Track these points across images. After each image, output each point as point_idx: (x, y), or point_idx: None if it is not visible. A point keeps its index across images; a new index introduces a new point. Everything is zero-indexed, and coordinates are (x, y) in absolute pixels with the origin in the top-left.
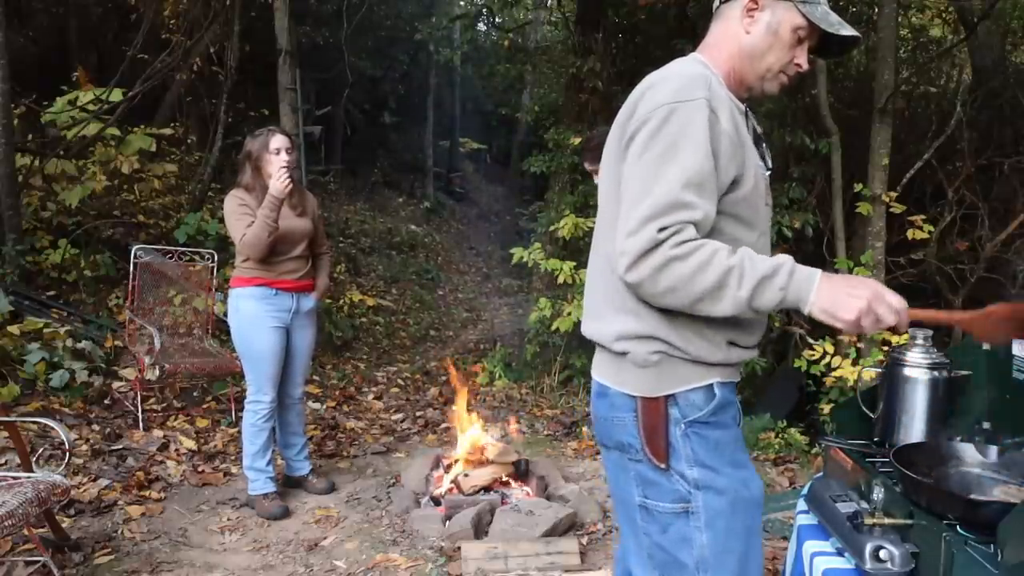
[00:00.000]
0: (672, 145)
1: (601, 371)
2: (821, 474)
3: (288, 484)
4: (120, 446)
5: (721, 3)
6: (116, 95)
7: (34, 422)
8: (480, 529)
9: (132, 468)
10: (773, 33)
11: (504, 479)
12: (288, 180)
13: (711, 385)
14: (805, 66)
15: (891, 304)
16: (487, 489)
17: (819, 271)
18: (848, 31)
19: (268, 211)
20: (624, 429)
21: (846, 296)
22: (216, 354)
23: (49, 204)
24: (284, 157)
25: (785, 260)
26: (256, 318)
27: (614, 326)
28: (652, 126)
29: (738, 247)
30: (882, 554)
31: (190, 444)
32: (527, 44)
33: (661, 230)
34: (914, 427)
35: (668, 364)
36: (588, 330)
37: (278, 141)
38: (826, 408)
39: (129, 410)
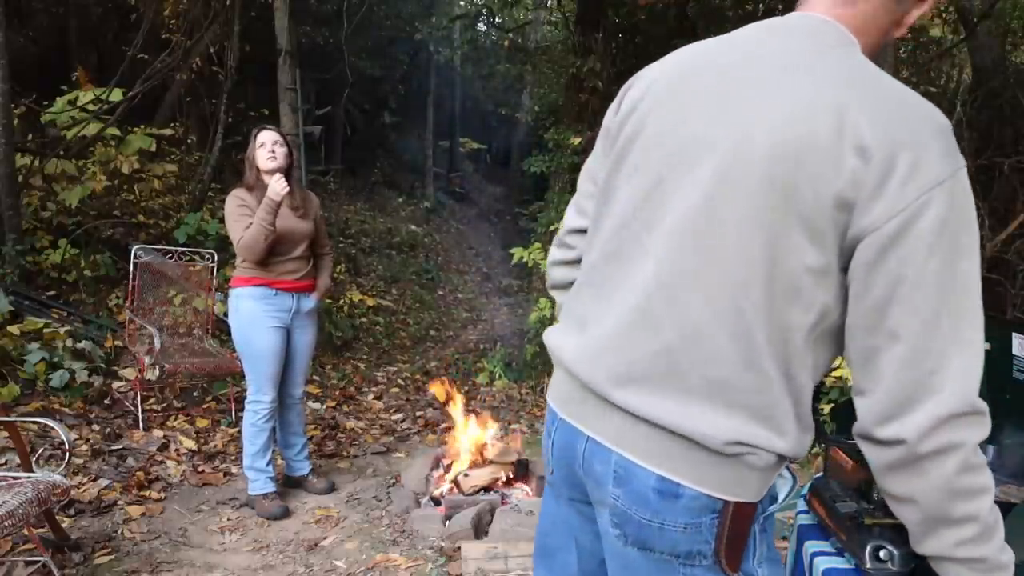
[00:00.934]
0: (966, 254)
1: (675, 467)
2: (821, 474)
3: (288, 484)
4: (120, 446)
5: None
6: (116, 95)
7: (34, 422)
8: (480, 529)
9: (132, 468)
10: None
11: (504, 479)
12: (285, 183)
13: (786, 465)
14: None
15: None
16: (487, 489)
17: None
18: None
19: (264, 214)
20: (693, 537)
21: None
22: (216, 354)
23: (49, 204)
24: (268, 149)
25: (1012, 565)
26: (256, 318)
27: (733, 429)
28: (938, 217)
29: None
30: (882, 554)
31: (190, 444)
32: (527, 44)
33: (976, 415)
34: None
35: (780, 460)
36: (657, 408)
37: (263, 136)
38: (826, 408)
39: (129, 410)
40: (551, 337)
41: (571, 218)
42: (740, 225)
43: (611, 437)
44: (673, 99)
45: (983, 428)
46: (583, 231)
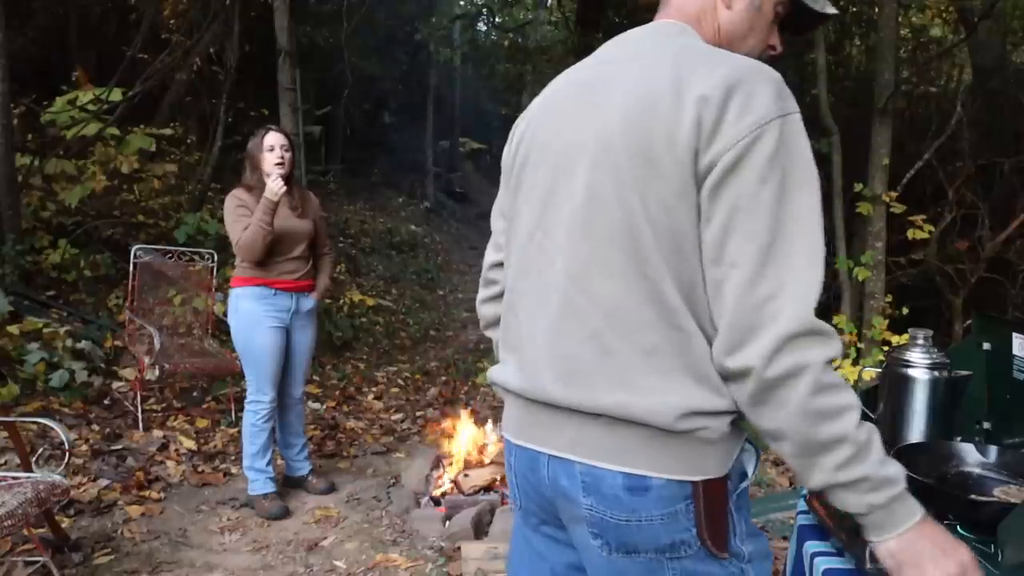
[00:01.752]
0: (797, 185)
1: (636, 460)
2: None
3: (288, 484)
4: (120, 446)
5: None
6: (116, 95)
7: (34, 422)
8: (480, 529)
9: (132, 468)
10: (756, 8)
11: (504, 479)
12: (282, 183)
13: (746, 438)
14: (779, 49)
15: None
16: (487, 489)
17: (922, 511)
18: (831, 9)
19: (262, 214)
20: (672, 526)
21: (937, 553)
22: (216, 354)
23: (49, 204)
24: (278, 154)
25: (901, 477)
26: (255, 318)
27: (677, 399)
28: (768, 149)
29: None
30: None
31: (190, 444)
32: (527, 44)
33: (818, 335)
34: (914, 427)
35: (734, 430)
36: (598, 399)
37: (272, 138)
38: None
39: (129, 410)
40: (495, 375)
41: (489, 255)
42: (618, 200)
43: (569, 447)
44: (547, 120)
45: (827, 347)
46: (501, 264)
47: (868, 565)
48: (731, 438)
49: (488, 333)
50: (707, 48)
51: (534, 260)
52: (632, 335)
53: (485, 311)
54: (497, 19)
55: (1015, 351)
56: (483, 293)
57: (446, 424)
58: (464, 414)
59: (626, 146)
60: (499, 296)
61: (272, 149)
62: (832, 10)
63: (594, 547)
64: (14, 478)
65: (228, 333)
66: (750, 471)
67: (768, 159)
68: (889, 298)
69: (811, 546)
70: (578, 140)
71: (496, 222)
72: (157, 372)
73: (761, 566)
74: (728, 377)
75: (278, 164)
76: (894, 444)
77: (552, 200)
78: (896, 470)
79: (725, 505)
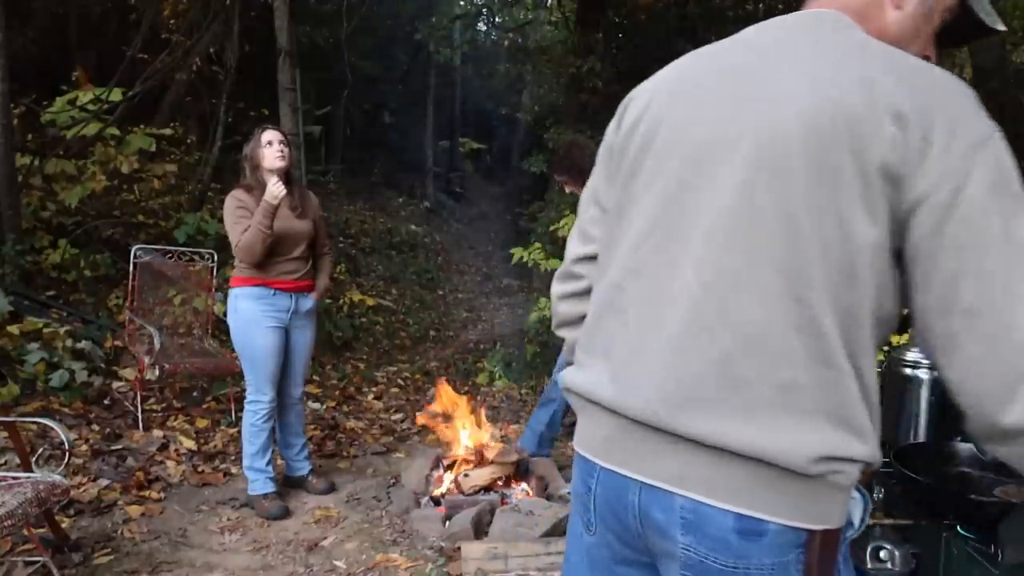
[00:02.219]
0: (1020, 209)
1: (755, 501)
2: None
3: (288, 484)
4: (120, 446)
5: None
6: (116, 95)
7: (34, 422)
8: (480, 529)
9: (132, 468)
10: (927, 13)
11: (504, 479)
12: (283, 187)
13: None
14: (933, 60)
15: None
16: (487, 489)
17: None
18: (1001, 25)
19: (261, 217)
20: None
21: None
22: (216, 354)
23: (49, 204)
24: (277, 148)
25: None
26: (254, 318)
27: (815, 441)
28: (987, 176)
29: None
30: (882, 554)
31: (190, 444)
32: (527, 44)
33: None
34: (914, 427)
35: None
36: (724, 436)
37: (269, 134)
38: None
39: (129, 410)
40: (576, 379)
41: (576, 246)
42: (785, 211)
43: (672, 478)
44: (680, 105)
45: None
46: (591, 258)
47: (868, 565)
48: (854, 485)
49: (562, 332)
50: (886, 48)
51: (652, 262)
52: (770, 366)
53: (564, 309)
54: (497, 19)
55: None
56: (563, 288)
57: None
58: (460, 402)
59: (803, 153)
60: (583, 293)
61: (271, 144)
62: (1002, 26)
63: None
64: (14, 478)
65: (228, 333)
66: (856, 518)
67: (989, 188)
68: None
69: None
70: (728, 134)
71: (588, 209)
72: (157, 372)
73: None
74: (993, 437)
75: (279, 157)
76: (894, 444)
77: (685, 197)
78: None
79: (836, 557)
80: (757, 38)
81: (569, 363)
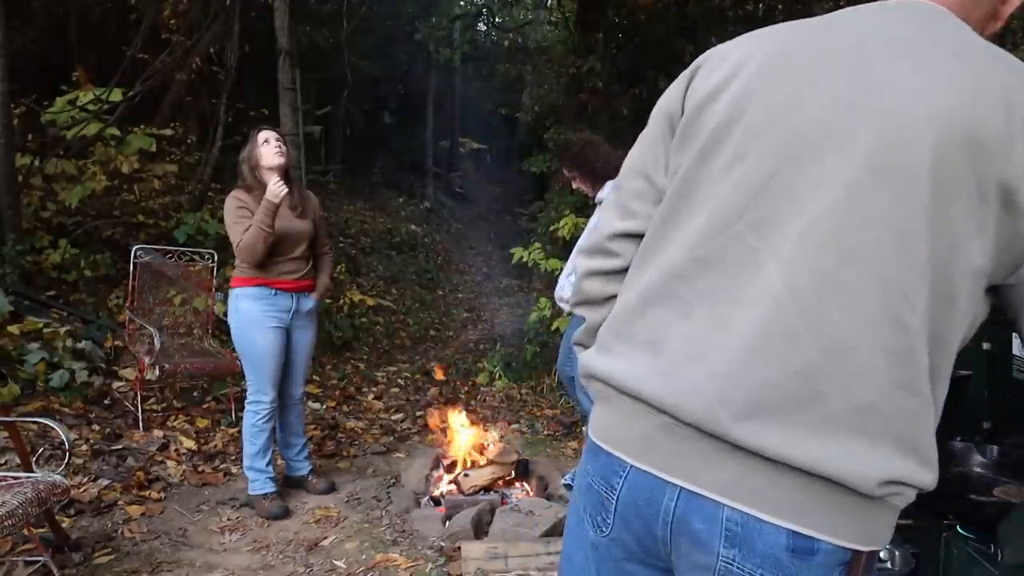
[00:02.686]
0: None
1: (810, 519)
2: None
3: (288, 484)
4: (120, 446)
5: None
6: (116, 95)
7: (34, 422)
8: (480, 529)
9: (132, 468)
10: None
11: (504, 479)
12: (284, 186)
13: None
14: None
15: None
16: (487, 489)
17: None
18: None
19: (262, 216)
20: None
21: None
22: (216, 354)
23: (49, 204)
24: (274, 146)
25: None
26: (255, 318)
27: (881, 466)
28: None
29: None
30: (882, 554)
31: (190, 444)
32: (527, 44)
33: None
34: None
35: None
36: (815, 453)
37: (265, 134)
38: None
39: (129, 410)
40: (605, 365)
41: (614, 221)
42: (899, 221)
43: (722, 487)
44: (779, 83)
45: None
46: (633, 236)
47: None
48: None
49: (582, 311)
50: (1013, 58)
51: (729, 254)
52: (851, 384)
53: (591, 287)
54: (497, 19)
55: (1015, 351)
56: (594, 263)
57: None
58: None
59: (931, 161)
60: (616, 272)
61: (267, 142)
62: None
63: None
64: (14, 478)
65: (228, 333)
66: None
67: None
68: None
69: None
70: (840, 127)
71: (636, 181)
72: (157, 372)
73: None
74: None
75: (278, 153)
76: None
77: (777, 189)
78: None
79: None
80: (869, 24)
81: (581, 344)
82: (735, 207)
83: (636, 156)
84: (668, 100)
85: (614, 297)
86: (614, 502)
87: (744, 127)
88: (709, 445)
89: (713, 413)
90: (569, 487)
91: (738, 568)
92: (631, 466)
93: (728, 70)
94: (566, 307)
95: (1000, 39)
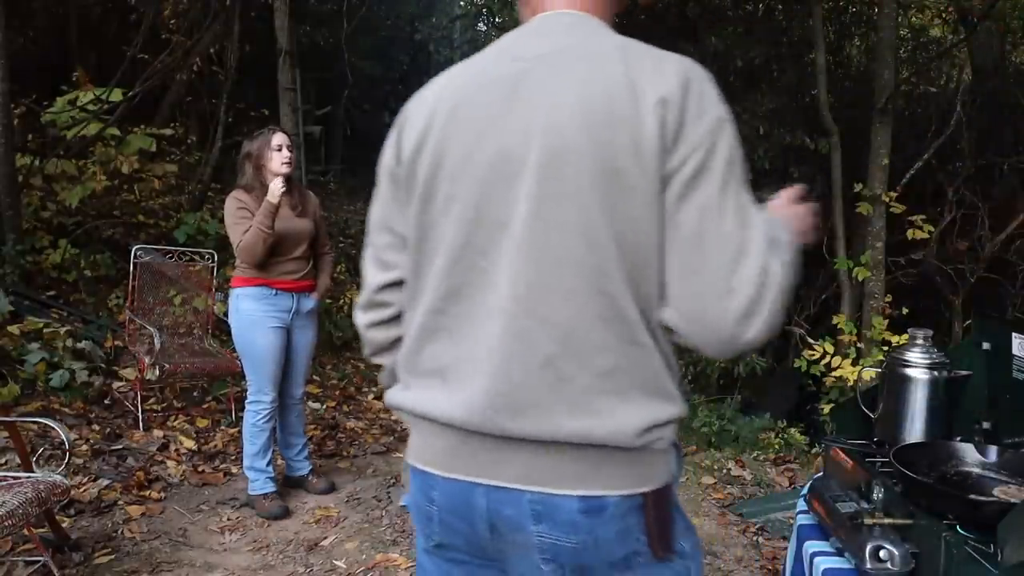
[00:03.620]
0: (743, 182)
1: (593, 482)
2: (821, 474)
3: (288, 484)
4: (120, 446)
5: None
6: (116, 95)
7: (34, 422)
8: None
9: (132, 468)
10: None
11: None
12: (283, 185)
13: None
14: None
15: None
16: None
17: None
18: None
19: (263, 217)
20: (626, 540)
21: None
22: (216, 354)
23: (49, 204)
24: (286, 154)
25: None
26: (256, 318)
27: (636, 416)
28: (726, 151)
29: None
30: (882, 554)
31: (190, 444)
32: None
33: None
34: (914, 427)
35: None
36: (577, 425)
37: (279, 138)
38: (826, 408)
39: (129, 410)
40: (405, 399)
41: (376, 275)
42: (576, 218)
43: (518, 477)
44: (463, 122)
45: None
46: (395, 284)
47: (868, 565)
48: (674, 443)
49: (377, 359)
50: (636, 43)
51: (467, 281)
52: (590, 358)
53: (375, 336)
54: (497, 19)
55: (1015, 351)
56: (371, 316)
57: None
58: None
59: (586, 158)
60: (392, 320)
61: (280, 149)
62: None
63: (546, 572)
64: (15, 478)
65: (228, 333)
66: (674, 468)
67: (727, 161)
68: (889, 298)
69: (811, 546)
70: (514, 148)
71: (381, 236)
72: (157, 372)
73: (698, 558)
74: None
75: (286, 164)
76: (894, 444)
77: (487, 216)
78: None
79: (670, 509)
80: (524, 45)
81: (388, 386)
82: (462, 240)
83: (377, 213)
84: (386, 158)
85: (400, 338)
86: (436, 512)
87: (448, 172)
88: (496, 445)
89: (491, 419)
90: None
91: (550, 539)
92: (442, 477)
93: (424, 124)
94: None
95: (1001, 39)
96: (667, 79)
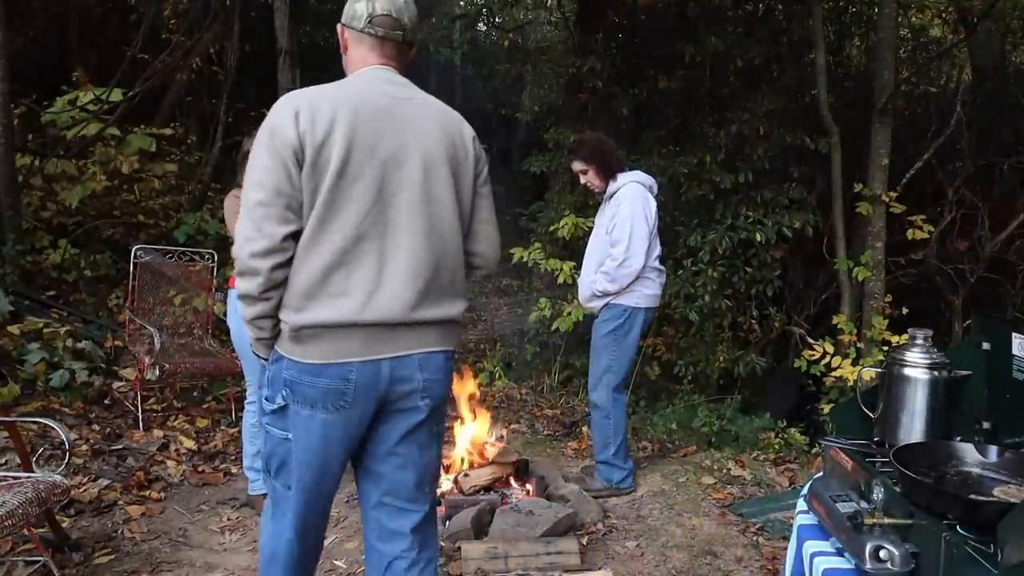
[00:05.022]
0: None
1: (448, 342)
2: (821, 474)
3: None
4: (120, 446)
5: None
6: (116, 95)
7: (34, 422)
8: (480, 529)
9: (132, 468)
10: None
11: (504, 479)
12: None
13: None
14: None
15: None
16: (487, 489)
17: None
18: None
19: None
20: (449, 379)
21: None
22: (216, 354)
23: (49, 204)
24: None
25: None
26: None
27: (462, 303)
28: (486, 163)
29: None
30: (882, 554)
31: (190, 444)
32: (527, 44)
33: None
34: (914, 427)
35: None
36: (439, 313)
37: None
38: (826, 408)
39: (129, 410)
40: (316, 315)
41: (280, 228)
42: (444, 192)
43: (412, 346)
44: (364, 127)
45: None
46: (294, 235)
47: (868, 565)
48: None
49: (271, 294)
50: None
51: (373, 230)
52: (455, 270)
53: (277, 276)
54: (497, 19)
55: (1015, 351)
56: (275, 259)
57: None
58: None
59: (447, 159)
60: (289, 261)
61: None
62: (371, 29)
63: (422, 406)
64: (15, 478)
65: (228, 333)
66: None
67: (486, 170)
68: (889, 298)
69: (811, 546)
70: (403, 149)
71: (280, 199)
72: (157, 372)
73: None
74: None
75: None
76: (894, 444)
77: (385, 190)
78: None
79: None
80: (382, 85)
81: (265, 317)
82: (370, 201)
83: (273, 182)
84: (286, 138)
85: (286, 279)
86: (351, 387)
87: (355, 158)
88: (401, 330)
89: (403, 313)
90: (275, 411)
91: (426, 381)
92: (359, 362)
93: (330, 118)
94: (599, 303)
95: (1001, 39)
96: (467, 126)
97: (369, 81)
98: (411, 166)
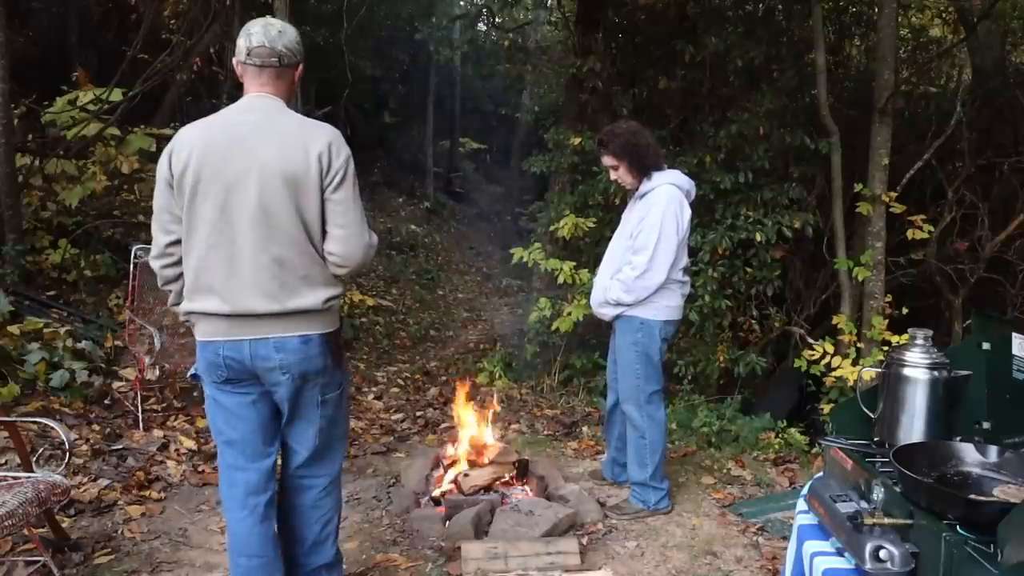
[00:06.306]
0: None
1: (303, 327)
2: (821, 474)
3: None
4: (120, 446)
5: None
6: (116, 95)
7: (34, 422)
8: (480, 529)
9: (132, 468)
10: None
11: (504, 479)
12: None
13: None
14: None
15: None
16: (487, 489)
17: None
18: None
19: None
20: (322, 357)
21: None
22: None
23: (49, 204)
24: None
25: None
26: None
27: (321, 295)
28: (351, 172)
29: None
30: (882, 554)
31: (190, 444)
32: (527, 44)
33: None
34: (914, 427)
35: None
36: (291, 305)
37: None
38: (826, 408)
39: (129, 410)
40: (194, 306)
41: (163, 237)
42: (283, 205)
43: (267, 331)
44: (211, 156)
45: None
46: (176, 242)
47: (868, 565)
48: (339, 308)
49: (168, 287)
50: (301, 118)
51: (222, 239)
52: (296, 272)
53: (169, 273)
54: (497, 19)
55: (1015, 351)
56: (164, 261)
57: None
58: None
59: (282, 177)
60: (176, 262)
61: None
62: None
63: (284, 380)
64: (14, 478)
65: None
66: (340, 322)
67: (352, 176)
68: (889, 298)
69: (811, 546)
70: (244, 170)
71: (163, 215)
72: (157, 372)
73: (349, 378)
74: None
75: None
76: (894, 444)
77: (230, 204)
78: None
79: (340, 343)
80: (242, 115)
81: (176, 303)
82: (216, 217)
83: (160, 202)
84: (162, 170)
85: (181, 274)
86: (221, 362)
87: (205, 179)
88: (253, 320)
89: (250, 306)
90: (195, 376)
91: (285, 361)
92: (224, 342)
93: (187, 153)
94: (610, 311)
95: (1001, 39)
96: (321, 139)
97: (232, 114)
98: (248, 186)
